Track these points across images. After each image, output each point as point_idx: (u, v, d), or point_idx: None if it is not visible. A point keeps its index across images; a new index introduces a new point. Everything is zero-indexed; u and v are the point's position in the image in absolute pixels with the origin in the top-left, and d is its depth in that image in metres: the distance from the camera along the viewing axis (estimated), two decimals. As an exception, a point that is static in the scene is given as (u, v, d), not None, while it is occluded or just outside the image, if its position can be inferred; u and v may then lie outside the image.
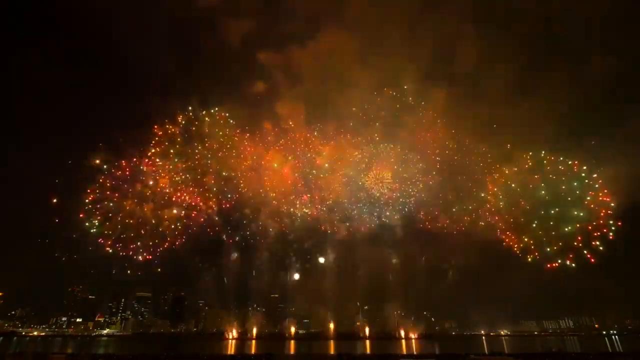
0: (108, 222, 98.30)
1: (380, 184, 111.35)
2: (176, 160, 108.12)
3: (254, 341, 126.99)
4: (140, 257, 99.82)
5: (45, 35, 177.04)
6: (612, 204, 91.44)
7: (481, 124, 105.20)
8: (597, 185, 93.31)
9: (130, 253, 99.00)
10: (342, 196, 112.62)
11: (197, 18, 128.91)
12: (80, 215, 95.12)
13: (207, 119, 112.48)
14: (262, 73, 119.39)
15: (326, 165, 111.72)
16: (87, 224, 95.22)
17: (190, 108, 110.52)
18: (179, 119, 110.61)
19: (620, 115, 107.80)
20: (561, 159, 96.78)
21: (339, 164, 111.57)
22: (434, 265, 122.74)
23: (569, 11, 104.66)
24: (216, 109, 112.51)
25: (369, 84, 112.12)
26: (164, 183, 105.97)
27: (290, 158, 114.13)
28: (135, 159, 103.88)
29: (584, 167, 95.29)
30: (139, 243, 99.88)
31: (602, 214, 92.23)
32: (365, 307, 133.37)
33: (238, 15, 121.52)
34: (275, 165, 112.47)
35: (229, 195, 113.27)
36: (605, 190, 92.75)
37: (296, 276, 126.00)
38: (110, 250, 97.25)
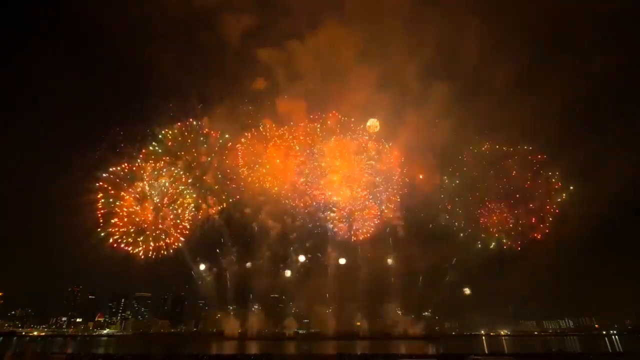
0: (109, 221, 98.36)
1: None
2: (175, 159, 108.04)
3: (254, 341, 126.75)
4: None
5: (44, 34, 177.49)
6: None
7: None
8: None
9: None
10: (343, 195, 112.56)
11: (197, 16, 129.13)
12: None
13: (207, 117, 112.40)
14: (262, 70, 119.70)
15: (327, 160, 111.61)
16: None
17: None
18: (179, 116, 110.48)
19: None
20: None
21: (340, 163, 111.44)
22: (434, 265, 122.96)
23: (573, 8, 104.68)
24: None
25: (369, 80, 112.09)
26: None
27: (285, 150, 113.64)
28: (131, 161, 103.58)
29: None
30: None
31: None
32: (365, 308, 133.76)
33: (237, 12, 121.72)
34: (277, 161, 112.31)
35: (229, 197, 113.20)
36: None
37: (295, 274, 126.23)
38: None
